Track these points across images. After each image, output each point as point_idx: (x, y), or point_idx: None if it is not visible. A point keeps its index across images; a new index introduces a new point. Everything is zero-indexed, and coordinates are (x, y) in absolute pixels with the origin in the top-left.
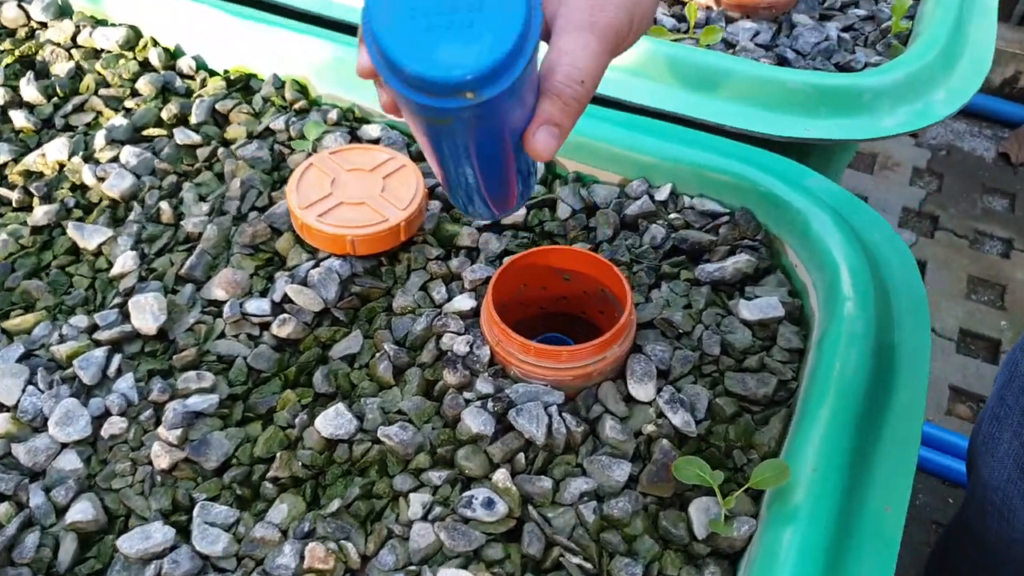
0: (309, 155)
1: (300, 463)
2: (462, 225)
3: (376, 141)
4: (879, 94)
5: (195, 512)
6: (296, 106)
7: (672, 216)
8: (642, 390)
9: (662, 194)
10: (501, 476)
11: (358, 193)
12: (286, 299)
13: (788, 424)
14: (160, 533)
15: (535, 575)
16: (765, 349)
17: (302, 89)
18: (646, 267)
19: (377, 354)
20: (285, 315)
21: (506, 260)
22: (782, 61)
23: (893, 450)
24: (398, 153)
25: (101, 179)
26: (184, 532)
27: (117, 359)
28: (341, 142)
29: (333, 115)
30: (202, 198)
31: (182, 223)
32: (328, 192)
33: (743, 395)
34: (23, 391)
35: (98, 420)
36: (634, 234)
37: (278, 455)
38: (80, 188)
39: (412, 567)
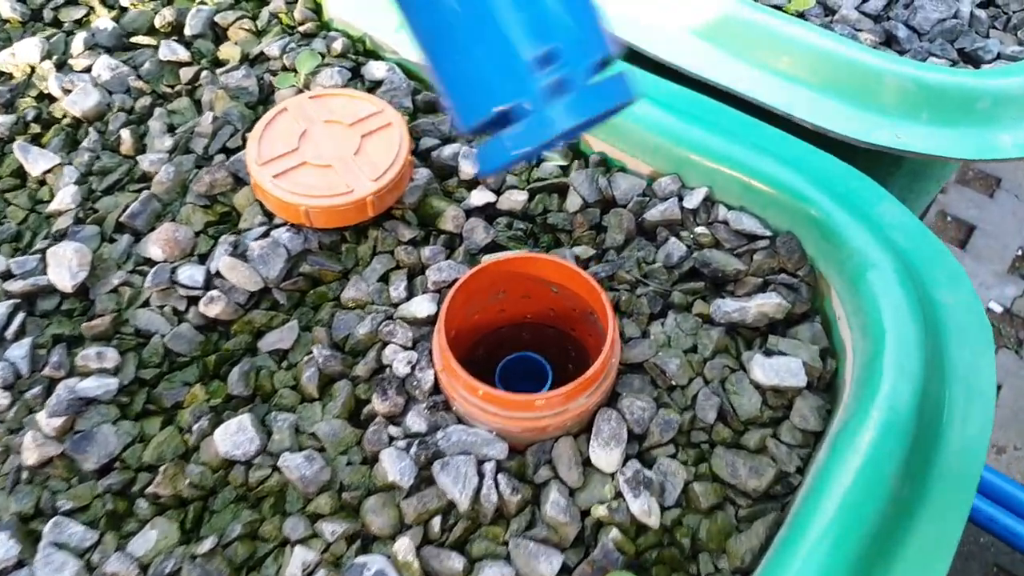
0: (300, 91)
1: (188, 480)
2: (452, 202)
3: (378, 84)
4: (1003, 101)
5: (46, 530)
6: (303, 28)
7: (699, 230)
8: (605, 457)
9: (693, 199)
10: (404, 546)
11: (327, 152)
12: (220, 273)
13: (774, 533)
14: (2, 548)
15: None
16: (774, 423)
17: (316, 8)
18: (652, 291)
19: (305, 359)
20: (215, 292)
21: (478, 265)
22: (889, 40)
23: None
24: (388, 107)
25: (68, 91)
26: (37, 545)
27: (20, 317)
28: (338, 80)
29: (338, 45)
30: (171, 129)
31: (139, 158)
32: (294, 147)
33: (730, 483)
34: None
35: None
36: (650, 244)
37: (163, 468)
38: (47, 98)
39: None
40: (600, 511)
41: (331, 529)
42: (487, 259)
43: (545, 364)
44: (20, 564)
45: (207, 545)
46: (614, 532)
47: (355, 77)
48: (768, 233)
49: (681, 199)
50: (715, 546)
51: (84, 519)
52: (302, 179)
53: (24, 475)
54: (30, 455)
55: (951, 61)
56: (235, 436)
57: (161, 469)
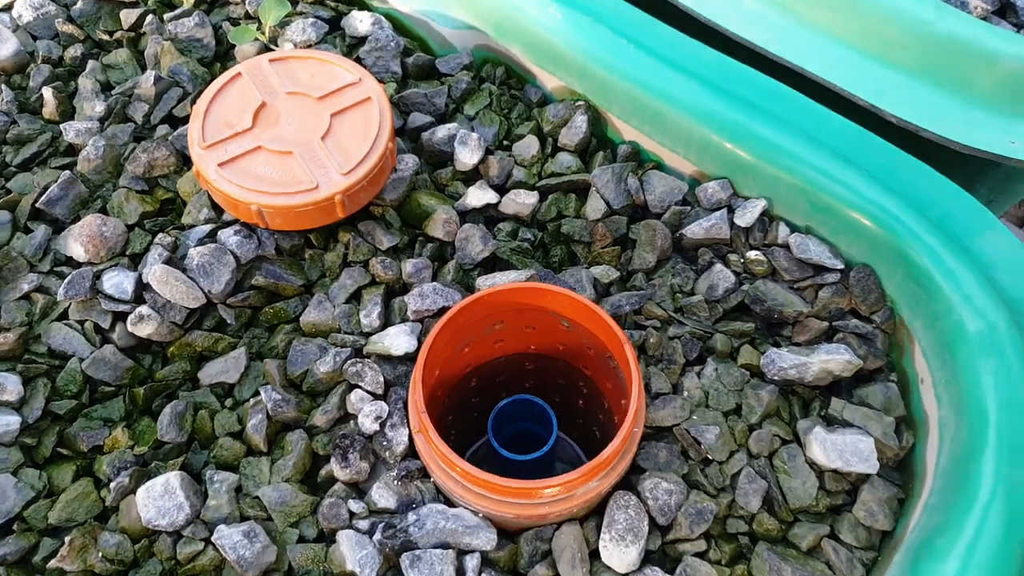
0: (265, 48)
1: (101, 553)
2: (444, 200)
3: (361, 41)
4: None
5: None
6: None
7: (752, 255)
8: (618, 555)
9: (747, 214)
10: None
11: (289, 135)
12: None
13: None
14: None
15: None
16: (833, 513)
17: None
18: (689, 332)
19: (253, 401)
20: (145, 309)
21: (471, 296)
22: (1004, 8)
23: None
24: (367, 76)
25: None
26: None
27: None
28: (311, 35)
29: None
30: (106, 88)
31: (64, 126)
32: (247, 126)
33: None
34: None
35: None
36: (688, 268)
37: (70, 539)
38: None
39: None
40: None
41: None
42: (483, 283)
43: (548, 411)
44: None
45: None
46: None
47: (333, 31)
48: (839, 265)
49: (732, 212)
50: None
51: None
52: (256, 169)
53: None
54: None
55: None
56: (160, 501)
57: (68, 540)
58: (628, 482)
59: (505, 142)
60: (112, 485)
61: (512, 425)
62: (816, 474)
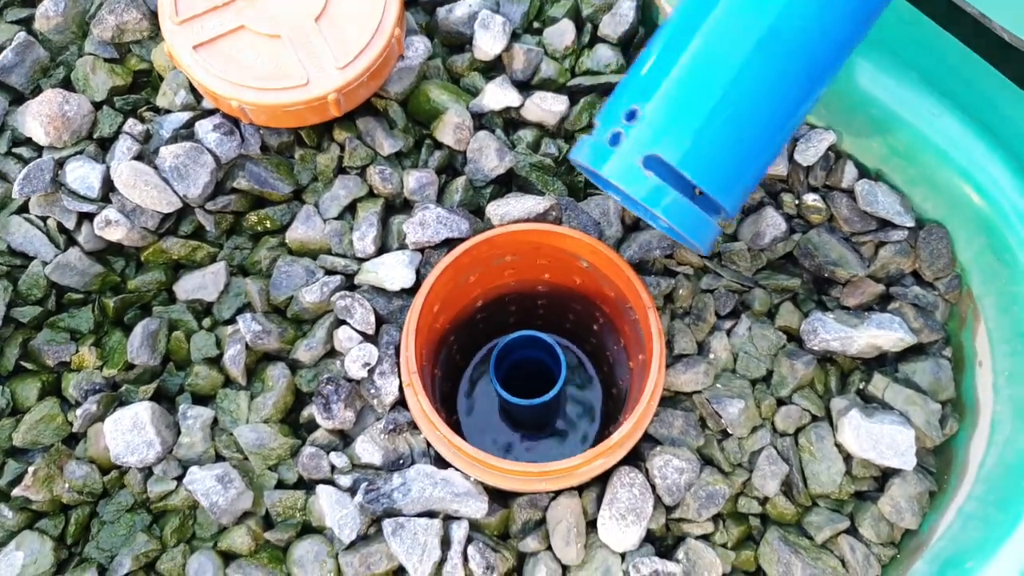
0: None
1: (68, 483)
2: (458, 96)
3: None
4: None
5: None
6: None
7: (811, 199)
8: (617, 533)
9: (812, 150)
10: None
11: (279, 12)
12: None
13: None
14: None
15: None
16: (859, 499)
17: None
18: (726, 284)
19: (232, 328)
20: (114, 213)
21: (478, 236)
22: None
23: None
24: None
25: None
26: None
27: None
28: None
29: None
30: None
31: None
32: None
33: None
34: None
35: None
36: None
37: (34, 468)
38: None
39: None
40: None
41: None
42: (494, 210)
43: (558, 352)
44: None
45: None
46: None
47: None
48: (909, 223)
49: (794, 143)
50: None
51: None
52: (238, 54)
53: None
54: None
55: None
56: (129, 435)
57: (31, 470)
58: (637, 453)
59: (536, 24)
60: (79, 412)
61: (521, 352)
62: (843, 459)
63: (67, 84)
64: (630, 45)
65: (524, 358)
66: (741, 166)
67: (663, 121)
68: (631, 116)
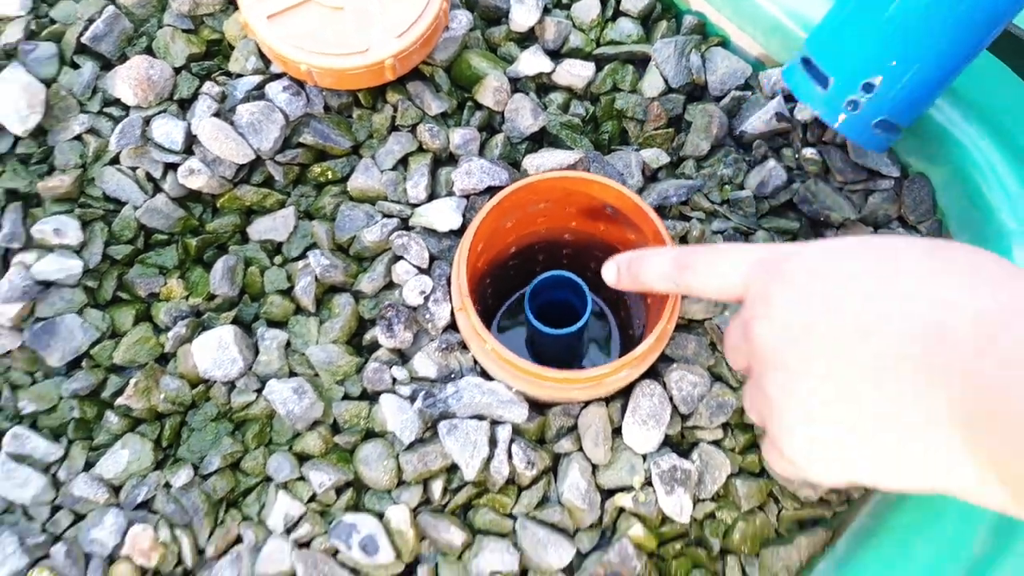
0: None
1: (163, 394)
2: (496, 63)
3: None
4: None
5: (5, 441)
6: None
7: (808, 152)
8: (640, 436)
9: (809, 108)
10: (398, 515)
11: None
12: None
13: (818, 554)
14: None
15: None
16: None
17: None
18: (735, 227)
19: (301, 263)
20: (196, 163)
21: (517, 183)
22: None
23: None
24: None
25: None
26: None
27: None
28: None
29: None
30: None
31: None
32: None
33: (779, 483)
34: None
35: None
36: (742, 159)
37: (134, 380)
38: None
39: None
40: (624, 501)
41: (320, 479)
42: (530, 161)
43: (584, 289)
44: None
45: (184, 476)
46: (636, 527)
47: None
48: (895, 172)
49: (793, 101)
50: (748, 551)
51: (47, 424)
52: (305, 25)
53: None
54: None
55: None
56: (216, 353)
57: (133, 381)
58: (656, 371)
59: (564, 0)
60: (170, 334)
61: (550, 293)
62: None
63: (149, 52)
64: (649, 19)
65: (552, 300)
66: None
67: (899, 100)
68: (868, 88)
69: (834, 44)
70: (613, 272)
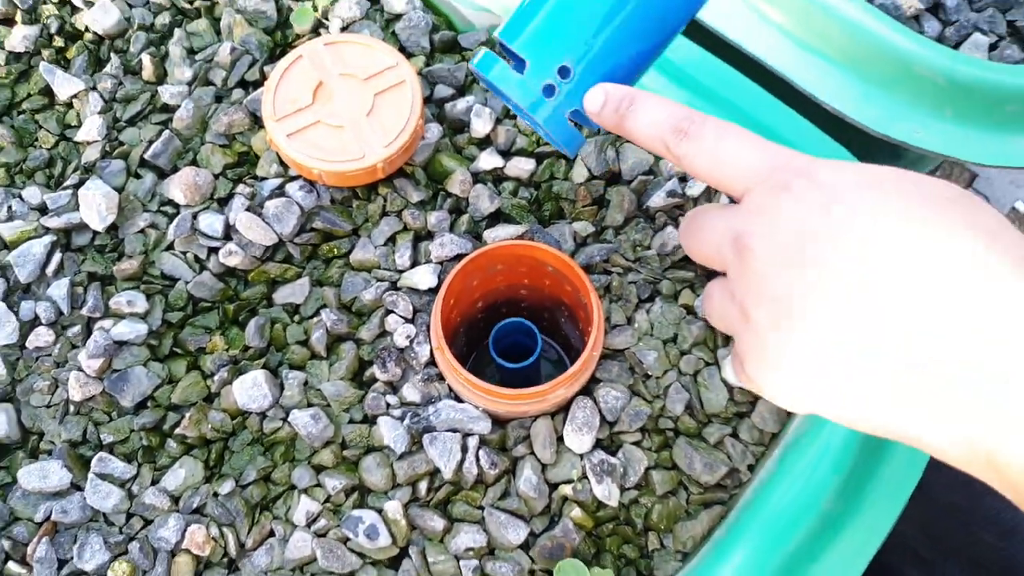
0: (319, 23)
1: (210, 425)
2: (461, 162)
3: (397, 18)
4: None
5: (93, 462)
6: None
7: None
8: (577, 440)
9: (697, 185)
10: (393, 508)
11: (342, 110)
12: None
13: (716, 525)
14: (57, 476)
15: None
16: (737, 418)
17: None
18: (644, 278)
19: (315, 319)
20: (233, 246)
21: (479, 248)
22: (936, 6)
23: None
24: (402, 61)
25: (90, 3)
26: (87, 468)
27: (58, 255)
28: (356, 13)
29: None
30: (191, 53)
31: (160, 89)
32: (308, 103)
33: (686, 473)
34: None
35: (28, 325)
36: (648, 226)
37: (188, 415)
38: (68, 5)
39: (283, 572)
40: (566, 490)
41: (332, 484)
42: (489, 234)
43: (535, 330)
44: (75, 487)
45: (227, 487)
46: (576, 511)
47: (374, 5)
48: None
49: (685, 182)
50: (664, 527)
51: (123, 451)
52: (315, 139)
53: (71, 408)
54: (75, 392)
55: (997, 37)
56: (251, 390)
57: (187, 415)
58: (588, 390)
59: (512, 112)
60: (215, 378)
61: (509, 338)
62: (728, 389)
63: (195, 163)
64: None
65: (512, 343)
66: None
67: (590, 84)
68: (564, 73)
69: (528, 23)
70: (599, 102)
